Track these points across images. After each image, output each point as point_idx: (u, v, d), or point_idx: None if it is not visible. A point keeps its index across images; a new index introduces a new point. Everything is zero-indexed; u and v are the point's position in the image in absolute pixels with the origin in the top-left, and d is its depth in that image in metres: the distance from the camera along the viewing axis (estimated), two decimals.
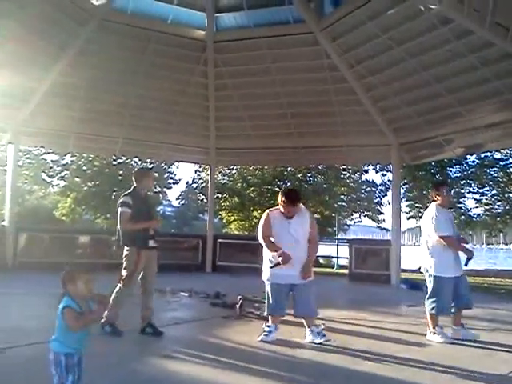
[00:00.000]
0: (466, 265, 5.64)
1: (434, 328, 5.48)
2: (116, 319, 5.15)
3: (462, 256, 5.61)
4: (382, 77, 11.02)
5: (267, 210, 5.43)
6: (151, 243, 5.31)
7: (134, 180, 5.53)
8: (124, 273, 5.18)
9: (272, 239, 5.21)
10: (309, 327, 5.20)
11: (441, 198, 5.67)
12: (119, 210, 5.24)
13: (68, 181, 24.14)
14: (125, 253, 5.23)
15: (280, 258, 4.97)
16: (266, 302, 5.31)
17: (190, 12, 11.37)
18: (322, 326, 5.29)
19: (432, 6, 8.67)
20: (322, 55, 11.17)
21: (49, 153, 22.40)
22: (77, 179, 23.93)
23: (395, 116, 11.88)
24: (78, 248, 12.68)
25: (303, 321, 5.29)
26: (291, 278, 5.10)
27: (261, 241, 5.27)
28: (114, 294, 5.13)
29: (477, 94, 9.95)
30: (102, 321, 5.07)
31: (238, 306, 6.72)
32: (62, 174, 24.15)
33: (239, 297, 6.83)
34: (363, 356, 4.71)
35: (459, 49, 9.17)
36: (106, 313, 5.08)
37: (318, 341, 5.03)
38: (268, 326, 5.21)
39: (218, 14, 11.51)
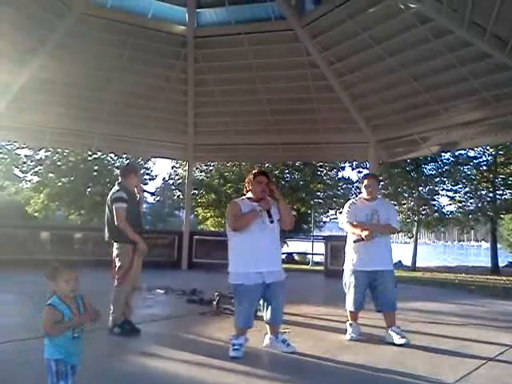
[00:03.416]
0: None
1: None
2: (124, 318, 5.08)
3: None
4: (361, 75, 11.12)
5: (232, 201, 4.78)
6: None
7: (120, 176, 5.43)
8: (119, 271, 5.07)
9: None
10: (272, 333, 4.64)
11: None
12: (115, 205, 5.06)
13: (42, 176, 23.76)
14: (116, 251, 5.10)
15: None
16: (237, 311, 4.60)
17: (171, 7, 11.27)
18: (288, 331, 4.73)
19: (412, 5, 8.82)
20: (303, 52, 11.21)
21: (23, 148, 22.04)
22: (51, 175, 23.57)
23: (373, 114, 12.01)
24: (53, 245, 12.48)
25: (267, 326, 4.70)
26: (269, 276, 4.45)
27: (232, 228, 4.50)
28: (113, 295, 5.06)
29: (454, 92, 10.14)
30: (110, 325, 5.02)
31: (214, 303, 6.70)
32: (36, 169, 23.77)
33: (216, 293, 6.81)
34: (339, 350, 4.76)
35: (437, 48, 9.31)
36: (112, 315, 5.04)
37: (284, 350, 4.51)
38: (236, 338, 4.48)
39: (199, 10, 11.44)
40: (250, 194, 4.65)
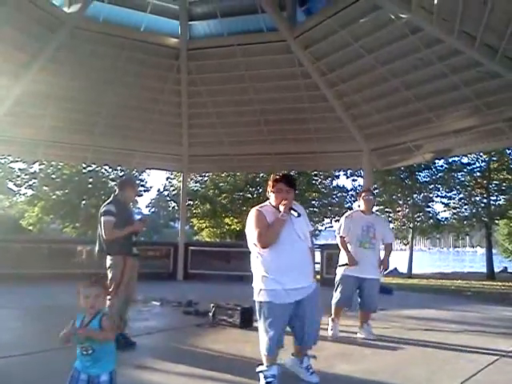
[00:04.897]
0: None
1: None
2: (119, 331, 5.00)
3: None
4: (353, 84, 11.20)
5: (254, 208, 3.98)
6: (135, 250, 5.24)
7: (117, 188, 5.47)
8: (111, 284, 5.06)
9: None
10: (297, 354, 4.05)
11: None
12: (103, 218, 5.08)
13: (36, 189, 23.71)
14: (109, 262, 5.08)
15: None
16: (263, 335, 3.84)
17: (164, 20, 11.35)
18: (313, 358, 4.09)
19: (402, 15, 8.91)
20: (295, 63, 11.29)
21: (16, 161, 22.00)
22: (45, 188, 23.53)
23: (366, 122, 12.06)
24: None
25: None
26: (300, 292, 3.83)
27: (261, 246, 3.78)
28: (107, 308, 5.04)
29: (446, 100, 10.22)
30: None
31: (210, 314, 6.65)
32: (30, 182, 23.73)
33: (212, 304, 6.78)
34: (337, 360, 4.76)
35: (428, 57, 9.41)
36: None
37: (306, 379, 3.99)
38: (268, 369, 3.81)
39: (191, 22, 11.53)
40: (272, 200, 3.98)
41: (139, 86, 12.21)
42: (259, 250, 3.81)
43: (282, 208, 3.76)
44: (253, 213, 3.88)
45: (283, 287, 3.72)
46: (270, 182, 3.99)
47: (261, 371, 3.80)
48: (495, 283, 18.09)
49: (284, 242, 3.76)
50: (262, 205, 4.01)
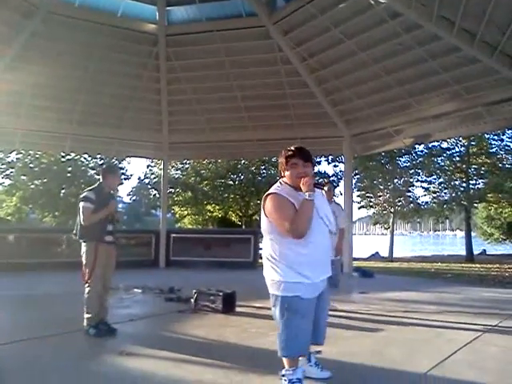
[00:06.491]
0: None
1: None
2: (100, 319, 5.05)
3: None
4: (333, 70, 11.17)
5: (270, 195, 3.24)
6: (109, 238, 5.20)
7: (100, 176, 5.43)
8: (85, 270, 5.05)
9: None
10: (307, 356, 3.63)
11: None
12: (81, 204, 5.07)
13: (14, 179, 23.36)
14: (83, 249, 5.10)
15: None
16: (289, 335, 3.18)
17: (141, 5, 11.12)
18: (319, 350, 3.79)
19: (381, 0, 8.90)
20: (275, 48, 11.23)
21: None
22: (23, 177, 23.20)
23: (347, 108, 12.08)
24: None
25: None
26: (322, 285, 3.37)
27: (297, 236, 3.10)
28: (85, 296, 5.02)
29: (425, 85, 10.26)
30: (85, 325, 4.97)
31: (192, 300, 6.67)
32: (8, 172, 23.34)
33: (194, 291, 6.80)
34: None
35: (408, 42, 9.41)
36: (86, 316, 4.99)
37: (319, 376, 3.66)
38: (293, 373, 3.24)
39: (169, 8, 11.32)
40: (287, 178, 3.31)
41: (117, 72, 12.02)
42: (285, 239, 3.17)
43: (304, 188, 3.12)
44: (272, 199, 3.20)
45: (312, 280, 3.19)
46: (283, 159, 3.31)
47: (284, 375, 3.27)
48: (474, 265, 18.40)
49: (312, 230, 3.15)
50: (275, 187, 3.27)
